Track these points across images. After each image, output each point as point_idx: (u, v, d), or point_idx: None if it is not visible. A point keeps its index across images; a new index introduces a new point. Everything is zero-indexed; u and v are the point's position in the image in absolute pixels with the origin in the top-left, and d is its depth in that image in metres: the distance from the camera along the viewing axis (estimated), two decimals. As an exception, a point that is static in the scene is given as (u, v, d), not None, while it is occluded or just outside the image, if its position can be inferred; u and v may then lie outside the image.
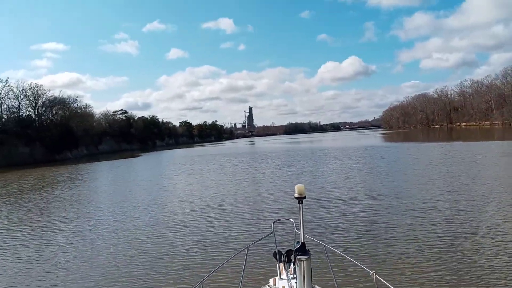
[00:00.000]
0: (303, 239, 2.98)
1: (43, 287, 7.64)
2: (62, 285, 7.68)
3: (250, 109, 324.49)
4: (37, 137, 66.05)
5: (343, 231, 10.24)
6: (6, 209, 17.51)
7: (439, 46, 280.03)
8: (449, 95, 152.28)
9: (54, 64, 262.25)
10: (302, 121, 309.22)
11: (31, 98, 72.20)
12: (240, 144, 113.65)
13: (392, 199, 13.85)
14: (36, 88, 72.78)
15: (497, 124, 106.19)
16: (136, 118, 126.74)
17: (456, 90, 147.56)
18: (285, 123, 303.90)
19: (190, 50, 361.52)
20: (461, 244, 8.43)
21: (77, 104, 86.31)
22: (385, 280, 2.99)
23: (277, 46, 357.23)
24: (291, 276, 3.45)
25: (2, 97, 68.46)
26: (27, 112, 72.97)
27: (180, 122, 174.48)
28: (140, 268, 8.36)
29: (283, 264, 3.72)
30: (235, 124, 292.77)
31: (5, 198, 21.39)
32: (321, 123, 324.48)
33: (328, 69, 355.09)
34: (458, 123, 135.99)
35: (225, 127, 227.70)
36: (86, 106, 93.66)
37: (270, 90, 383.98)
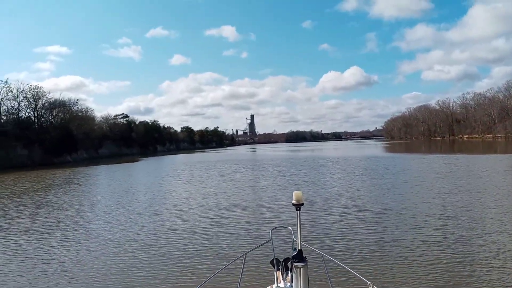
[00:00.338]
0: (300, 246, 2.97)
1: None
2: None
3: (252, 116, 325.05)
4: (36, 140, 65.36)
5: (345, 244, 9.70)
6: (-7, 214, 16.69)
7: (440, 58, 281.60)
8: (451, 107, 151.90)
9: (57, 67, 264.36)
10: (303, 130, 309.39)
11: (30, 100, 71.78)
12: (242, 151, 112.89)
13: (400, 213, 12.99)
14: (36, 90, 72.41)
15: (500, 137, 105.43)
16: (137, 123, 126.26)
17: (458, 102, 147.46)
18: (286, 131, 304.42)
19: (193, 56, 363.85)
20: (470, 268, 7.58)
21: (78, 107, 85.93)
22: None
23: (279, 55, 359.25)
24: (288, 284, 3.40)
25: (1, 98, 68.00)
26: (27, 114, 72.47)
27: (181, 128, 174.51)
28: (129, 277, 7.54)
29: (280, 272, 3.65)
30: (236, 131, 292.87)
31: (-5, 202, 20.59)
32: (323, 132, 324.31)
33: (329, 78, 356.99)
34: (461, 135, 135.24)
35: (226, 133, 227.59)
36: (87, 109, 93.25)
37: (272, 98, 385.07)
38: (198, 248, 9.94)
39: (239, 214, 14.48)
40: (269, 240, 3.92)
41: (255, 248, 4.56)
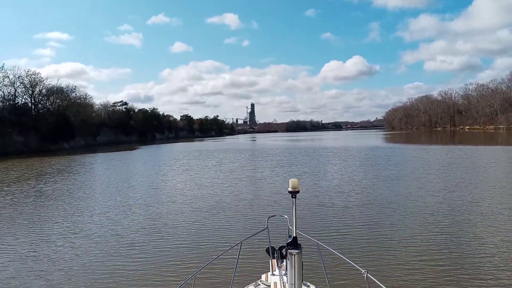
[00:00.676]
0: (295, 234, 2.98)
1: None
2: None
3: (252, 105, 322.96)
4: (32, 126, 64.33)
5: (341, 234, 9.68)
6: (-22, 204, 15.91)
7: (443, 48, 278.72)
8: (453, 98, 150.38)
9: (57, 54, 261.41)
10: (304, 119, 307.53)
11: (27, 86, 70.44)
12: (241, 140, 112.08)
13: (406, 208, 12.21)
14: (33, 76, 71.03)
15: (501, 129, 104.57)
16: (136, 110, 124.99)
17: (461, 93, 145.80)
18: (286, 120, 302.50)
19: (194, 44, 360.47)
20: (462, 255, 6.82)
21: (76, 94, 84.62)
22: (376, 280, 2.91)
23: (281, 44, 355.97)
24: (283, 272, 3.41)
25: (-2, 84, 66.70)
26: (23, 100, 71.26)
27: (181, 116, 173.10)
28: (122, 268, 6.80)
29: (275, 260, 3.68)
30: (236, 120, 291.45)
31: (-18, 190, 19.80)
32: (323, 122, 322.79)
33: (331, 68, 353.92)
34: (462, 126, 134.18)
35: (226, 122, 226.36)
36: (85, 96, 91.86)
37: (272, 87, 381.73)
38: (195, 236, 9.84)
39: (236, 205, 13.85)
40: (265, 228, 3.90)
41: (251, 236, 4.57)
